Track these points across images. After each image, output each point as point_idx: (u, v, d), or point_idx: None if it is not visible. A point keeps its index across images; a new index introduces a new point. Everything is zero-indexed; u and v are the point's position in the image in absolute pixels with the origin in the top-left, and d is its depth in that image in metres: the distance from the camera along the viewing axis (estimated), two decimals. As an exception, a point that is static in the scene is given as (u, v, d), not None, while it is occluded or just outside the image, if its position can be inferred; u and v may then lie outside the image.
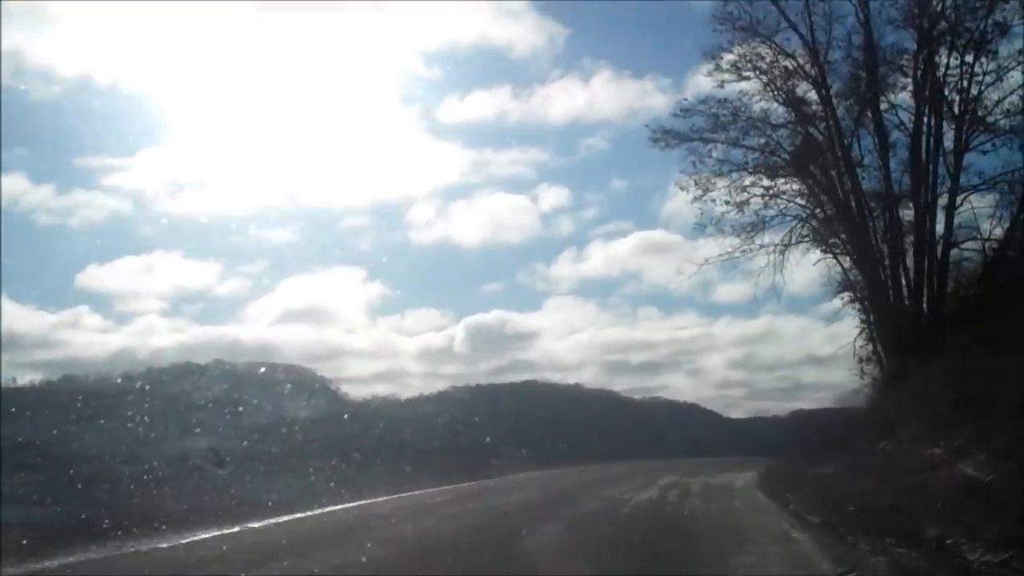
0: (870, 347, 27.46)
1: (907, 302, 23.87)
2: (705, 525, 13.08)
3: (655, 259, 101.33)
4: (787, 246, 26.64)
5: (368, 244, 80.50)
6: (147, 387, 22.48)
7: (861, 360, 27.57)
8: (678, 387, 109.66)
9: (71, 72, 71.51)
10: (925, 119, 23.28)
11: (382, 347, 79.50)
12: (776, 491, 17.17)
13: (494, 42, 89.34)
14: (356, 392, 48.07)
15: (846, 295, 27.58)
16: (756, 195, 25.98)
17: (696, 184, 25.55)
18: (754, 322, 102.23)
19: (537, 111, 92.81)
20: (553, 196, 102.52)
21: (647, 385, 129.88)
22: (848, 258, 26.41)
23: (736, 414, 76.01)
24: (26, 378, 33.51)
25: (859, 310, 28.39)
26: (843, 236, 26.25)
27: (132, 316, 73.65)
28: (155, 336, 61.13)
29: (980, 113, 22.83)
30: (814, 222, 27.26)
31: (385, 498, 16.98)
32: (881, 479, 14.53)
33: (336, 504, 15.43)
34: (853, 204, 24.93)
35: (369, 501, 16.38)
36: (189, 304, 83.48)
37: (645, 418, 58.79)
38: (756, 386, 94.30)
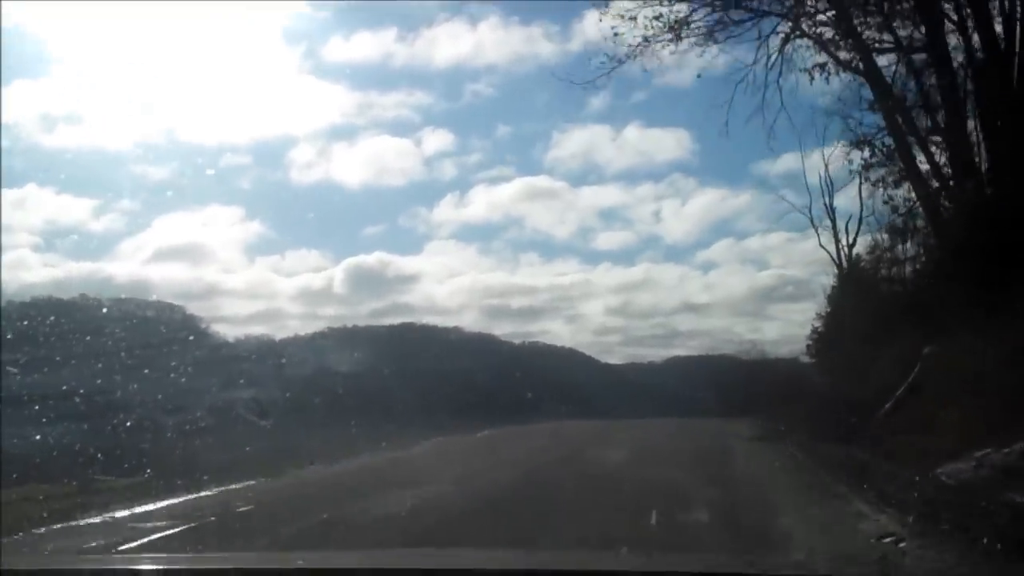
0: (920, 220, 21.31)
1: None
2: None
3: (538, 205, 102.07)
4: (792, 33, 19.50)
5: (248, 183, 79.05)
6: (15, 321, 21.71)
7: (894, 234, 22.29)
8: (557, 332, 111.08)
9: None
10: None
11: (260, 287, 78.52)
12: None
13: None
14: (231, 332, 47.19)
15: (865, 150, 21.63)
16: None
17: None
18: (632, 269, 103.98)
19: (423, 54, 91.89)
20: (437, 140, 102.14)
21: (527, 330, 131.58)
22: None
23: (613, 360, 77.81)
24: None
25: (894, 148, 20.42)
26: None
27: (2, 250, 71.13)
28: (26, 271, 59.31)
29: None
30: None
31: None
32: None
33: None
34: None
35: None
36: (62, 239, 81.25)
37: (523, 363, 56.66)
38: (632, 332, 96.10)
